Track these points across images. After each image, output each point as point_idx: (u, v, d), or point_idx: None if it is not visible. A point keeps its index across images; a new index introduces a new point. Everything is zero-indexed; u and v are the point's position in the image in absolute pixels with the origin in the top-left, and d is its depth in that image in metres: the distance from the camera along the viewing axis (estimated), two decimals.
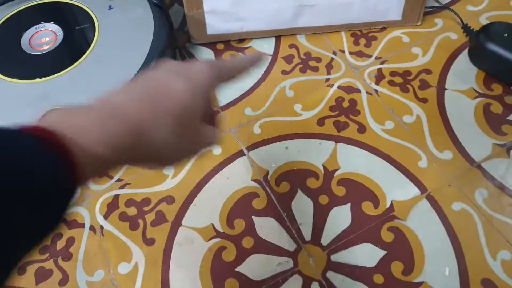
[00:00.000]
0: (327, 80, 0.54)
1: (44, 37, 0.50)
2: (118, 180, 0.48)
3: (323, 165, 0.47)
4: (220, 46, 0.59)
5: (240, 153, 0.49)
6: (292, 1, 0.54)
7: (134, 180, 0.48)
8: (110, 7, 0.52)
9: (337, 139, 0.48)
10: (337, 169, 0.46)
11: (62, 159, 0.17)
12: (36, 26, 0.51)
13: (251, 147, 0.49)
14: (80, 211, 0.46)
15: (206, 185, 0.47)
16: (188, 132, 0.23)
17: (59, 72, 0.47)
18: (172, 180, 0.48)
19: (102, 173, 0.20)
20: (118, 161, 0.20)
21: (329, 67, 0.55)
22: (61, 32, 0.50)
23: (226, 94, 0.54)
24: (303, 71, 0.56)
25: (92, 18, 0.51)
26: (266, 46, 0.58)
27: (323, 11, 0.56)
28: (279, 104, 0.53)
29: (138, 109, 0.20)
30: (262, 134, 0.50)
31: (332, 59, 0.56)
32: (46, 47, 0.49)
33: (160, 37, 0.49)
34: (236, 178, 0.47)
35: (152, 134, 0.20)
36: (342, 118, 0.50)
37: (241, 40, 0.59)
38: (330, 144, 0.48)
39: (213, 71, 0.24)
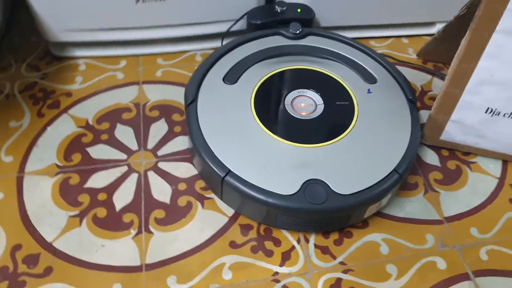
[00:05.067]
0: None
1: (305, 102, 0.53)
2: (341, 263, 0.48)
3: None
4: (445, 153, 0.59)
5: (465, 276, 0.47)
6: None
7: (357, 268, 0.47)
8: (369, 91, 0.54)
9: None
10: None
11: None
12: (299, 90, 0.54)
13: (478, 273, 0.47)
14: (301, 282, 0.46)
15: None
16: None
17: (319, 143, 0.48)
18: (395, 281, 0.46)
19: None
20: None
21: None
22: (322, 103, 0.52)
23: (453, 206, 0.53)
24: None
25: (351, 97, 0.53)
26: (492, 167, 0.58)
27: None
28: (509, 234, 0.51)
29: None
30: (490, 263, 0.48)
31: None
32: (304, 113, 0.51)
33: (415, 133, 0.50)
34: None
35: None
36: None
37: (467, 153, 0.58)
38: None
39: None
